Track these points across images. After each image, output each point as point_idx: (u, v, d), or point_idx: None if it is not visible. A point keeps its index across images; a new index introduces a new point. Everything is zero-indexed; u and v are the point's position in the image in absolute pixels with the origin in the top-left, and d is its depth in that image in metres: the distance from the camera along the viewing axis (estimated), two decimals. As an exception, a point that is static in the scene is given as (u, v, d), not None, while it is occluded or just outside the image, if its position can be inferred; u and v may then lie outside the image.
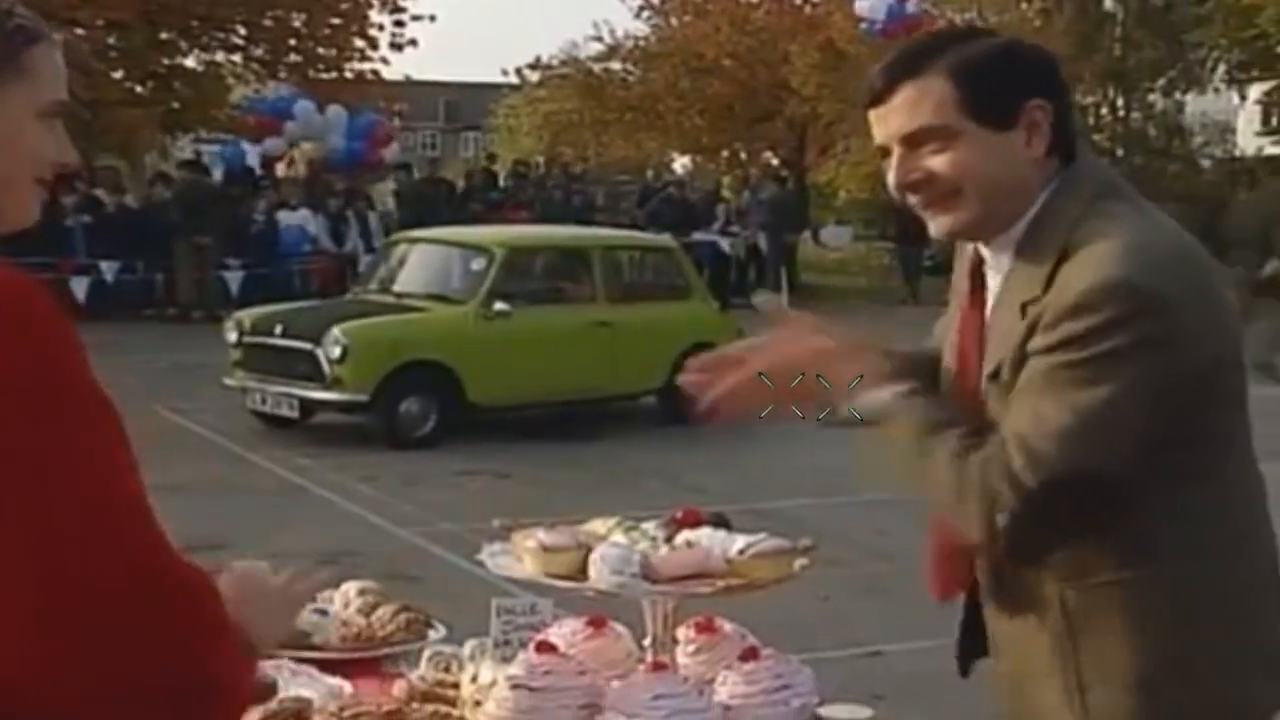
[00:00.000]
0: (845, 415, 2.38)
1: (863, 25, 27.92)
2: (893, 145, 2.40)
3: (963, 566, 2.50)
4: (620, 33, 37.04)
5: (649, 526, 2.56)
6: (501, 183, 28.17)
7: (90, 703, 1.56)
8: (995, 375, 2.35)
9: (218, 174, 25.66)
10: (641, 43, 36.87)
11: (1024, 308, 2.32)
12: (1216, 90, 36.94)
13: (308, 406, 12.90)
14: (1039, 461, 2.21)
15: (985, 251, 2.46)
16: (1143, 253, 2.26)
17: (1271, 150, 36.16)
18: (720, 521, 2.54)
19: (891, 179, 2.43)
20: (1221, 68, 35.80)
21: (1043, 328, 2.26)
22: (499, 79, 44.27)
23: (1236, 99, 38.57)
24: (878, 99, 2.41)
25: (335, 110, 25.90)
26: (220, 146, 26.84)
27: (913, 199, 2.43)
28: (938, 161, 2.36)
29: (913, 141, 2.38)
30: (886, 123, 2.40)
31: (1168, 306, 2.23)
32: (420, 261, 14.26)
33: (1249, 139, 38.38)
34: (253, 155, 27.48)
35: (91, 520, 1.55)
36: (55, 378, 1.57)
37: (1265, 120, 39.59)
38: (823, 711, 2.46)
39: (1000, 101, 2.36)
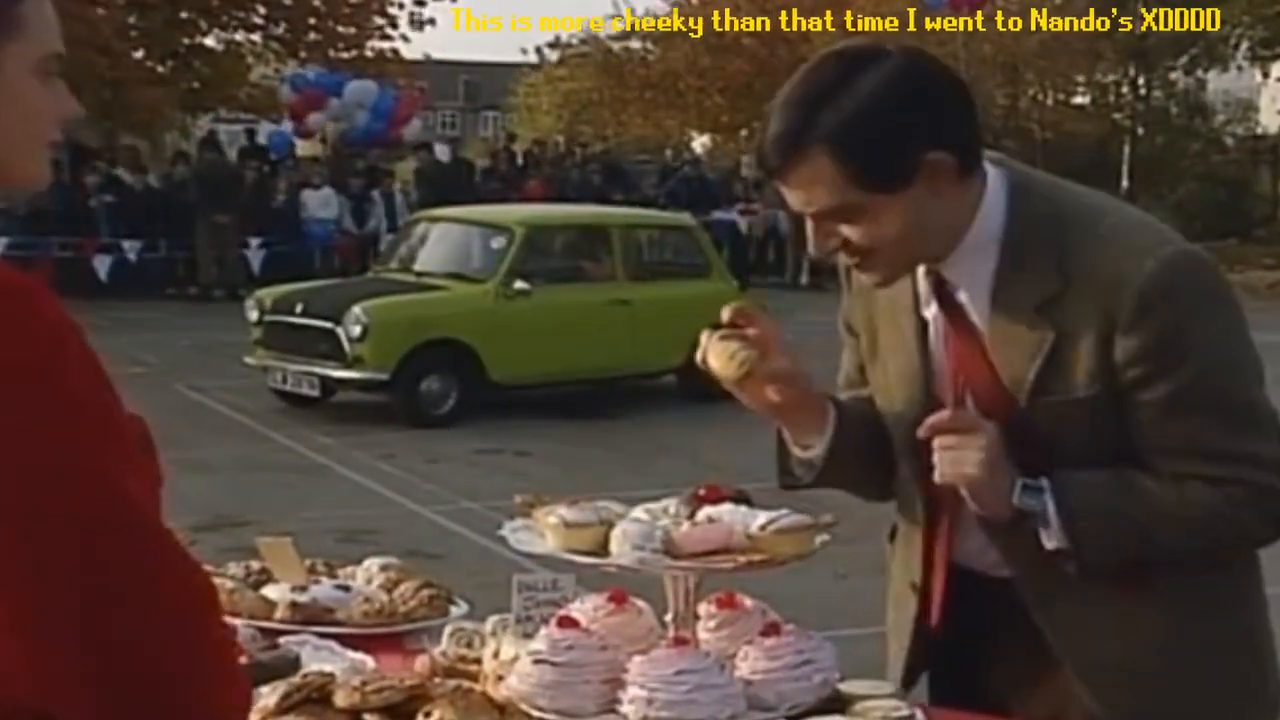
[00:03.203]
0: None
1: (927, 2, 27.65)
2: (803, 214, 2.34)
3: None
4: (640, 11, 37.09)
5: (670, 503, 2.57)
6: (518, 162, 28.18)
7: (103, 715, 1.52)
8: (1044, 390, 2.30)
9: (233, 152, 25.75)
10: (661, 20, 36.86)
11: (1040, 310, 2.29)
12: (1239, 68, 36.72)
13: (329, 385, 12.93)
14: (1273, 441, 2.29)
15: (944, 273, 2.39)
16: (1157, 225, 2.37)
17: (1295, 128, 36.01)
18: (742, 498, 2.54)
19: (810, 247, 2.38)
20: (1244, 45, 35.58)
21: (1125, 331, 2.24)
22: (519, 58, 44.38)
23: (1259, 76, 38.33)
24: (771, 175, 2.33)
25: (368, 86, 25.99)
26: (276, 130, 26.87)
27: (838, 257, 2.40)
28: (849, 231, 2.30)
29: (819, 217, 2.31)
30: (789, 197, 2.32)
31: (1206, 257, 2.34)
32: (440, 240, 14.28)
33: (1271, 117, 38.15)
34: (269, 134, 27.56)
35: (92, 531, 1.50)
36: (55, 383, 1.51)
37: (1288, 98, 39.42)
38: (844, 687, 2.46)
39: (892, 166, 2.24)
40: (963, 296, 2.39)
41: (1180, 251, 2.28)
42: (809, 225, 2.35)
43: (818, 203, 2.28)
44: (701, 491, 2.56)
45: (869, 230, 2.28)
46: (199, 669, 1.57)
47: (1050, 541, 2.33)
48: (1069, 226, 2.30)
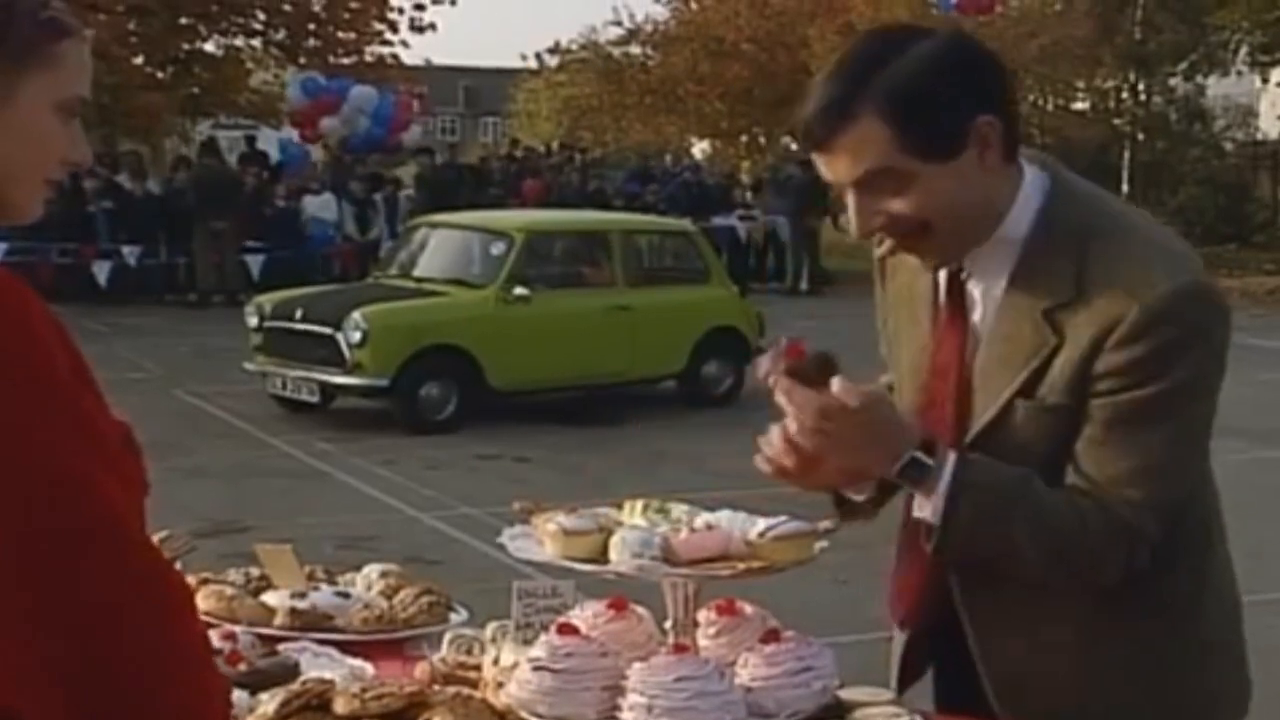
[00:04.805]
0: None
1: (935, 2, 27.69)
2: (845, 189, 2.28)
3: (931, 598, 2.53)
4: (640, 16, 37.09)
5: (673, 508, 2.57)
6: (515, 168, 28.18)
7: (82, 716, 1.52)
8: (1027, 394, 2.28)
9: (233, 158, 25.71)
10: (661, 26, 36.86)
11: (1049, 315, 2.26)
12: (1239, 73, 36.72)
13: (328, 391, 12.91)
14: (1169, 492, 2.27)
15: (965, 263, 2.36)
16: (1183, 252, 2.30)
17: (1294, 134, 36.00)
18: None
19: (853, 227, 2.30)
20: (1243, 50, 35.57)
21: (1116, 345, 2.21)
22: (518, 64, 44.42)
23: (1259, 82, 38.32)
24: (818, 145, 2.25)
25: (369, 92, 25.99)
26: (292, 143, 26.76)
27: (882, 238, 2.35)
28: (896, 204, 2.24)
29: (864, 186, 2.25)
30: (833, 168, 2.26)
31: (1223, 300, 2.28)
32: (440, 246, 14.26)
33: (1271, 122, 38.15)
34: (270, 140, 27.50)
35: (67, 532, 1.50)
36: (36, 382, 1.52)
37: (1288, 103, 39.39)
38: (844, 694, 2.46)
39: (943, 131, 2.21)
40: (974, 289, 2.37)
41: (1196, 283, 2.24)
42: (852, 202, 2.28)
43: (865, 164, 2.22)
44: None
45: (918, 201, 2.23)
46: (171, 674, 1.57)
47: (922, 510, 2.32)
48: (1095, 237, 2.27)
